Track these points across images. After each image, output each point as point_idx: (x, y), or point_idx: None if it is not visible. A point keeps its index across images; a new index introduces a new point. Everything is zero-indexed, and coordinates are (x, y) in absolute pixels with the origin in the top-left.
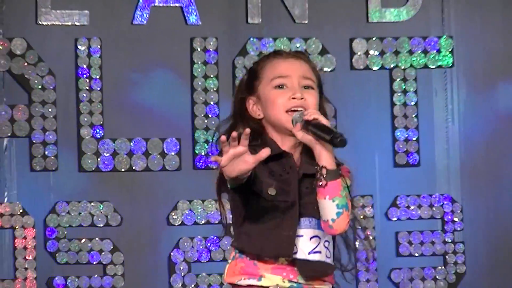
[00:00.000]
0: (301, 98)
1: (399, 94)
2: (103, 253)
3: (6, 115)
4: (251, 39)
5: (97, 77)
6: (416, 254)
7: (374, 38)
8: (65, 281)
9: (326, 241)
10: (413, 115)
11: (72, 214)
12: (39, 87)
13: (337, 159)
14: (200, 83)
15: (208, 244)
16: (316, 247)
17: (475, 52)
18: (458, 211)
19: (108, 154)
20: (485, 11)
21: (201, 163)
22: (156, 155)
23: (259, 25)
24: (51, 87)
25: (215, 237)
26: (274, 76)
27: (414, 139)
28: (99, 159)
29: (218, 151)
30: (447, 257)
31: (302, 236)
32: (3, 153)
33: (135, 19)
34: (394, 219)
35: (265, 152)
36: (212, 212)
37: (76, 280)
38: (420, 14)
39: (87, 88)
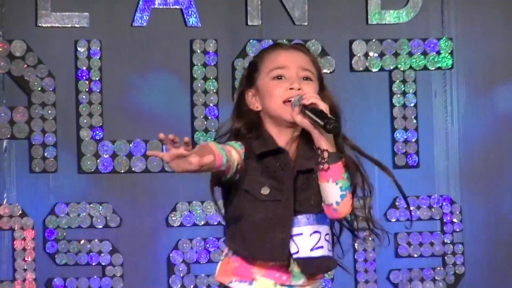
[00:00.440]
0: (299, 89)
1: (399, 95)
2: (102, 254)
3: (6, 116)
4: (251, 41)
5: (97, 79)
6: (415, 255)
7: (373, 40)
8: (64, 282)
9: (326, 234)
10: (413, 117)
11: (71, 216)
12: (39, 89)
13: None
14: (199, 85)
15: (207, 245)
16: (318, 242)
17: (475, 54)
18: (457, 212)
19: (107, 156)
20: (485, 13)
21: None
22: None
23: (259, 27)
24: (51, 89)
25: (214, 238)
26: (272, 67)
27: (414, 140)
28: (98, 161)
29: None
30: (446, 258)
31: (301, 234)
32: (3, 154)
33: (135, 21)
34: (393, 220)
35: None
36: (211, 214)
37: (75, 281)
38: (419, 16)
39: (87, 90)
